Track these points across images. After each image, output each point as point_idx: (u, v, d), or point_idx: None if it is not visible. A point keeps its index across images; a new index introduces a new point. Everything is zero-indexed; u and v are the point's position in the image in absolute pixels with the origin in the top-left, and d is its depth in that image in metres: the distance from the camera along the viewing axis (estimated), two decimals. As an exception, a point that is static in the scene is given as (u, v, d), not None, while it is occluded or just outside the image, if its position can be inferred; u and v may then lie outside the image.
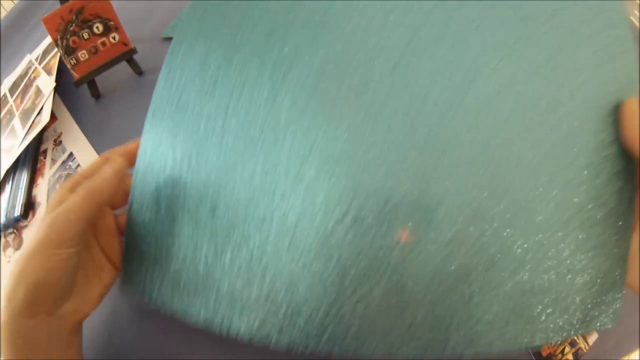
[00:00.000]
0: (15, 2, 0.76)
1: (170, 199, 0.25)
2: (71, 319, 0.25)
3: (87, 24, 0.44)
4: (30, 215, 0.43)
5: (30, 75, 0.53)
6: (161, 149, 0.27)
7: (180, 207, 0.25)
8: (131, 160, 0.28)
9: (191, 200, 0.25)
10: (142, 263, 0.26)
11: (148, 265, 0.26)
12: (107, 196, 0.25)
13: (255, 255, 0.23)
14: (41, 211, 0.43)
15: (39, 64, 0.54)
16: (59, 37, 0.44)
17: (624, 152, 0.23)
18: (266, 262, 0.23)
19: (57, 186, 0.44)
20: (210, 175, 0.25)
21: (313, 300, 0.22)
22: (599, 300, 0.23)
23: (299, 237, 0.22)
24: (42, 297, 0.23)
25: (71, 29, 0.44)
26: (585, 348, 0.32)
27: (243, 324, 0.22)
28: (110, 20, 0.45)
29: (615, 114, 0.24)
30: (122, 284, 0.27)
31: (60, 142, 0.47)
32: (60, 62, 0.51)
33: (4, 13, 0.73)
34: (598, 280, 0.23)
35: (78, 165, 0.44)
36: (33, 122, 0.47)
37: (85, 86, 0.47)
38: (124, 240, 0.27)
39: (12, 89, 0.55)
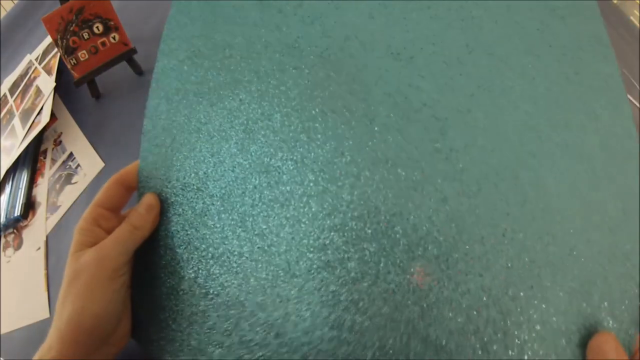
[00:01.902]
0: (15, 2, 0.76)
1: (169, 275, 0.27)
2: (117, 346, 0.26)
3: (87, 23, 0.44)
4: (30, 215, 0.43)
5: (30, 75, 0.53)
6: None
7: (176, 286, 0.26)
8: (129, 181, 0.29)
9: (185, 280, 0.26)
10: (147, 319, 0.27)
11: (149, 325, 0.27)
12: (147, 231, 0.27)
13: (246, 335, 0.24)
14: (41, 211, 0.43)
15: (39, 64, 0.54)
16: (59, 37, 0.44)
17: None
18: (256, 341, 0.24)
19: (57, 186, 0.44)
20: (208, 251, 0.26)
21: None
22: None
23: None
24: (103, 332, 0.24)
25: (71, 28, 0.44)
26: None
27: None
28: (110, 20, 0.45)
29: None
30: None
31: (60, 142, 0.47)
32: (60, 62, 0.51)
33: (4, 13, 0.73)
34: None
35: (78, 165, 0.44)
36: (33, 122, 0.47)
37: (85, 86, 0.47)
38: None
39: (12, 89, 0.55)
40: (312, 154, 0.24)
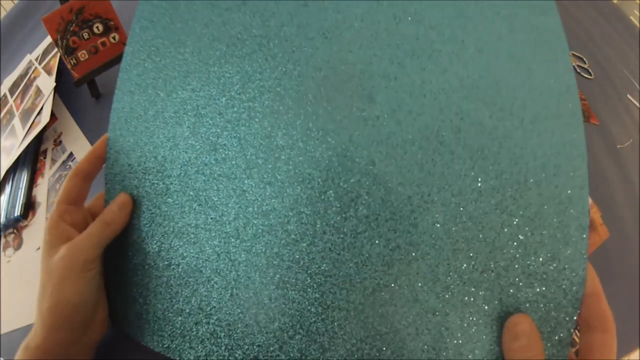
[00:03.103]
0: (15, 2, 0.76)
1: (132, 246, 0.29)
2: (98, 332, 0.27)
3: (87, 23, 0.44)
4: (30, 215, 0.43)
5: (30, 75, 0.53)
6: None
7: (141, 255, 0.29)
8: (100, 159, 0.30)
9: (150, 255, 0.28)
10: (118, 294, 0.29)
11: (120, 298, 0.29)
12: (119, 227, 0.28)
13: (203, 300, 0.27)
14: (41, 211, 0.43)
15: (39, 64, 0.54)
16: (59, 37, 0.44)
17: None
18: (212, 305, 0.27)
19: (57, 186, 0.44)
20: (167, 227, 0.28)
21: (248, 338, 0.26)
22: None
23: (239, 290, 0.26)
24: (82, 319, 0.26)
25: (71, 28, 0.44)
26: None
27: (192, 355, 0.26)
28: (110, 20, 0.45)
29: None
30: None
31: (60, 142, 0.47)
32: (60, 62, 0.51)
33: (4, 13, 0.73)
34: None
35: (78, 165, 0.44)
36: (33, 122, 0.47)
37: (85, 86, 0.47)
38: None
39: (12, 89, 0.55)
40: (253, 130, 0.27)
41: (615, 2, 0.72)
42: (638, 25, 0.64)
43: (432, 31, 0.25)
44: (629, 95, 0.53)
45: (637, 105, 0.52)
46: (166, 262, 0.28)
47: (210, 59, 0.29)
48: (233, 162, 0.27)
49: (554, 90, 0.23)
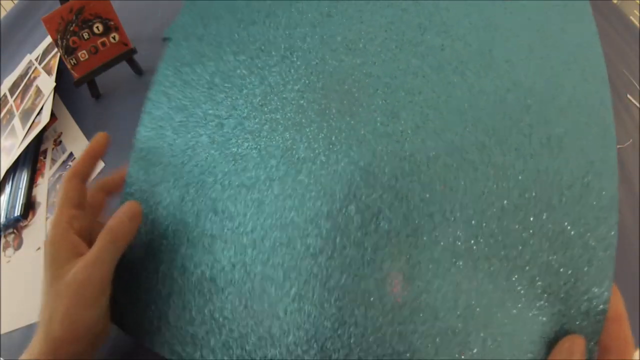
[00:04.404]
0: (15, 2, 0.76)
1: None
2: (104, 339, 0.27)
3: (87, 23, 0.44)
4: (30, 215, 0.43)
5: (30, 75, 0.54)
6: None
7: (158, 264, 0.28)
8: (94, 159, 0.30)
9: (163, 263, 0.28)
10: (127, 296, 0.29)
11: (130, 299, 0.29)
12: (129, 240, 0.27)
13: (216, 310, 0.26)
14: (41, 211, 0.43)
15: (39, 64, 0.54)
16: (59, 37, 0.44)
17: None
18: (225, 315, 0.26)
19: (57, 186, 0.44)
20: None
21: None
22: None
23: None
24: (97, 333, 0.25)
25: (71, 28, 0.44)
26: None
27: None
28: (110, 20, 0.45)
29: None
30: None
31: (60, 142, 0.47)
32: (60, 62, 0.51)
33: (4, 13, 0.74)
34: None
35: (78, 165, 0.44)
36: (33, 122, 0.47)
37: (85, 86, 0.47)
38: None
39: (12, 89, 0.55)
40: (274, 142, 0.27)
41: (615, 2, 0.72)
42: (638, 25, 0.64)
43: (458, 42, 0.24)
44: (629, 95, 0.53)
45: (637, 105, 0.52)
46: (180, 271, 0.27)
47: (234, 73, 0.29)
48: (252, 173, 0.27)
49: (585, 107, 0.22)
